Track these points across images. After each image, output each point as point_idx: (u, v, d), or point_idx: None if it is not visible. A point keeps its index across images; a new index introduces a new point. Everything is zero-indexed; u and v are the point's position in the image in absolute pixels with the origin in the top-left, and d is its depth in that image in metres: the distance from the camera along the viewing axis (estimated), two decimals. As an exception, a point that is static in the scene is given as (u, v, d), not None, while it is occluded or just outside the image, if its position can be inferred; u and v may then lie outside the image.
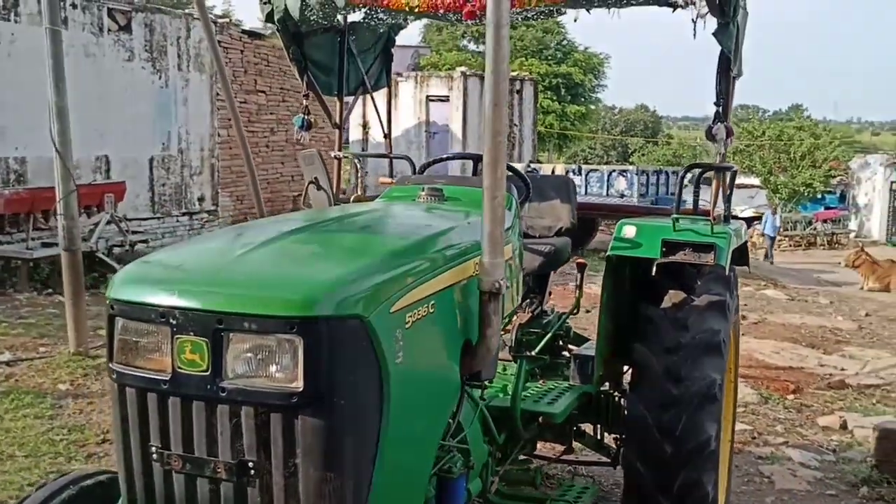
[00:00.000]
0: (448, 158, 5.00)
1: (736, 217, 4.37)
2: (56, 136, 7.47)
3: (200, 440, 2.21)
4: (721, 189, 4.18)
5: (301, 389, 2.10)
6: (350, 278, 2.22)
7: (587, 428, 4.73)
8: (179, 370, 2.18)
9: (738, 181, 4.51)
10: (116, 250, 12.36)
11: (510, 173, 4.15)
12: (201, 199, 16.03)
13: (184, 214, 15.56)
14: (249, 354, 2.14)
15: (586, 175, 17.68)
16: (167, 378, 2.20)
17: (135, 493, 2.34)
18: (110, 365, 2.32)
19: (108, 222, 12.24)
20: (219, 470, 2.19)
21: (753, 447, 6.31)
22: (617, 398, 4.41)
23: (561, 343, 4.60)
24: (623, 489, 3.87)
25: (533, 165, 18.76)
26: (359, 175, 4.48)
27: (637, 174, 17.26)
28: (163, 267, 2.38)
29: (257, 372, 2.14)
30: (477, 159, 4.11)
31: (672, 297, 3.97)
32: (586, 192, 17.60)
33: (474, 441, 3.22)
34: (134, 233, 13.03)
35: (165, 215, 15.10)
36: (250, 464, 2.17)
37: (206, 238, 2.70)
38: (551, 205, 4.61)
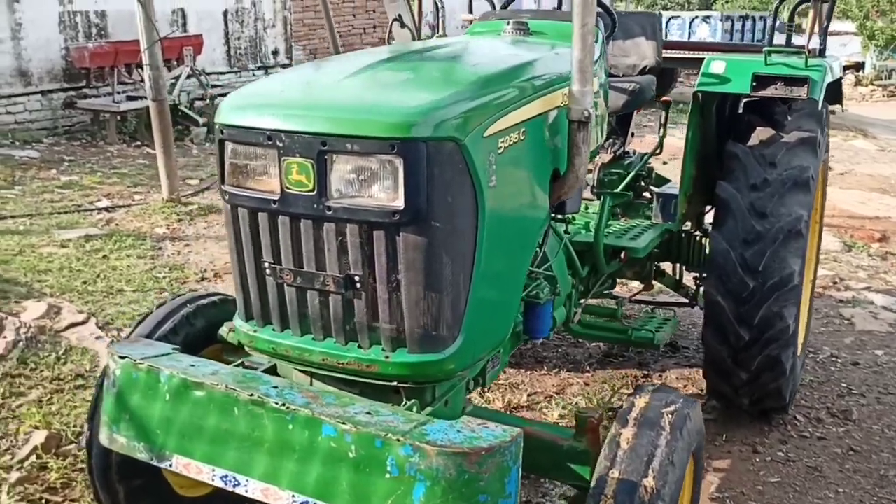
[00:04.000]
0: None
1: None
2: (138, -14, 7.54)
3: (309, 255, 2.36)
4: (817, 21, 4.03)
5: (402, 207, 2.21)
6: (446, 103, 2.27)
7: (667, 267, 4.82)
8: (287, 190, 2.31)
9: (829, 28, 4.30)
10: (197, 104, 12.60)
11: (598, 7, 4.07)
12: (275, 53, 16.03)
13: (259, 68, 15.62)
14: (352, 175, 2.25)
15: (666, 22, 16.92)
16: (276, 198, 2.33)
17: (251, 305, 2.54)
18: (222, 187, 2.46)
19: (189, 76, 12.42)
20: (327, 283, 2.35)
21: (834, 291, 6.33)
22: (699, 237, 4.46)
23: (642, 184, 4.62)
24: (703, 323, 3.99)
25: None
26: (440, 13, 4.44)
27: (721, 20, 16.48)
28: (268, 93, 2.47)
29: (360, 191, 2.25)
30: None
31: (760, 133, 3.93)
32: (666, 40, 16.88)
33: (559, 272, 3.34)
34: (213, 87, 13.21)
35: (241, 69, 15.20)
36: (356, 277, 2.32)
37: (303, 67, 2.76)
38: (636, 42, 4.52)
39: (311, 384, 2.63)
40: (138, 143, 11.47)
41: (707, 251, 4.32)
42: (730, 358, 3.87)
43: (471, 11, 4.02)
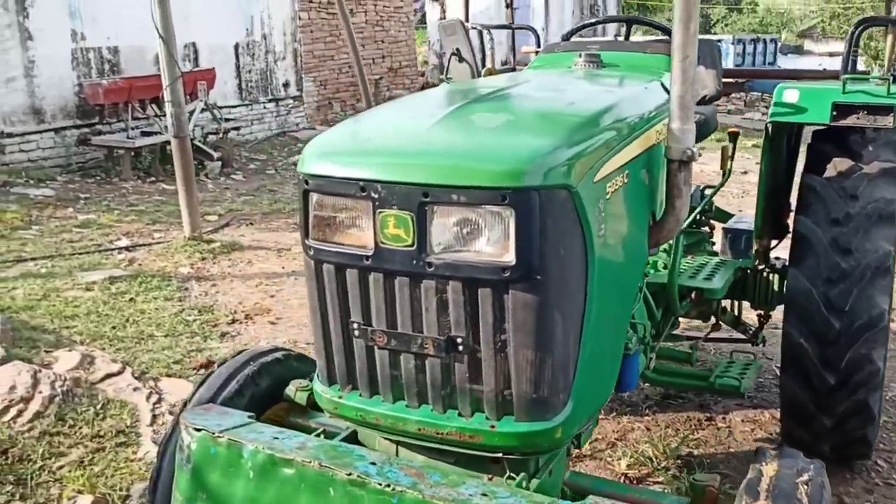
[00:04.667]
0: (597, 23, 4.68)
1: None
2: (159, 23, 7.40)
3: (405, 316, 2.16)
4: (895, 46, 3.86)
5: (513, 263, 2.01)
6: (555, 147, 2.08)
7: (725, 304, 4.61)
8: (383, 245, 2.11)
9: None
10: (211, 138, 12.46)
11: (663, 36, 3.90)
12: (286, 85, 15.93)
13: (270, 101, 15.52)
14: (457, 228, 2.06)
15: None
16: (370, 253, 2.14)
17: (335, 368, 2.33)
18: (306, 241, 2.26)
19: (203, 110, 12.29)
20: (426, 345, 2.15)
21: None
22: (766, 273, 4.26)
23: (702, 217, 4.43)
24: (782, 365, 3.77)
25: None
26: (485, 47, 4.27)
27: (733, 43, 16.39)
28: (357, 139, 2.28)
29: (465, 246, 2.06)
30: (631, 22, 3.86)
31: (837, 164, 3.73)
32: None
33: (640, 317, 3.14)
34: (226, 120, 13.08)
35: (253, 102, 15.09)
36: (458, 339, 2.12)
37: (381, 110, 2.57)
38: (696, 71, 4.34)
39: (398, 453, 2.42)
40: (153, 178, 11.31)
41: (777, 288, 4.11)
42: (812, 403, 3.65)
43: (538, 45, 3.85)
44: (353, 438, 2.52)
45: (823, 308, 3.52)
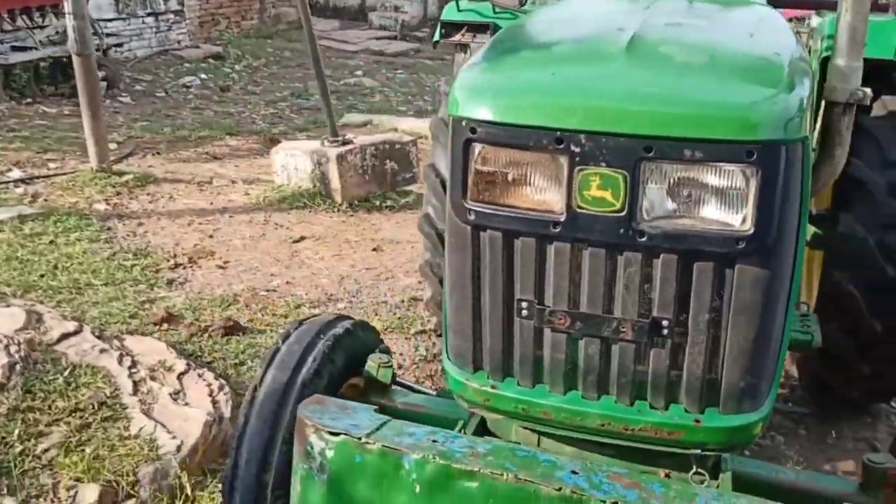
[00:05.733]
0: None
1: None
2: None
3: (596, 294, 1.81)
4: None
5: (751, 232, 1.69)
6: (791, 93, 1.75)
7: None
8: (580, 210, 1.73)
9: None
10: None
11: None
12: (166, -1, 14.63)
13: (149, 15, 14.19)
14: (682, 190, 1.70)
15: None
16: (560, 219, 1.75)
17: (485, 353, 1.97)
18: (462, 202, 1.84)
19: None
20: (623, 329, 1.81)
21: None
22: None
23: None
24: (820, 312, 3.65)
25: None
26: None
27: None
28: (544, 76, 1.83)
29: (689, 212, 1.72)
30: None
31: (888, 103, 3.58)
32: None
33: None
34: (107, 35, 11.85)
35: (130, 16, 13.75)
36: (664, 321, 1.79)
37: (534, 33, 2.15)
38: None
39: (539, 443, 2.10)
40: (30, 100, 10.11)
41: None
42: (854, 350, 3.56)
43: None
44: (483, 431, 2.18)
45: (879, 255, 3.40)
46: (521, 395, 1.95)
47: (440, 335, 4.09)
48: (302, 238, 6.01)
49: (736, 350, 1.79)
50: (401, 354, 4.36)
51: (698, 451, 1.89)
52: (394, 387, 2.50)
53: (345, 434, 1.81)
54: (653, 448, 1.94)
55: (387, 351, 2.57)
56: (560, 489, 1.67)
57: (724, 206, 1.70)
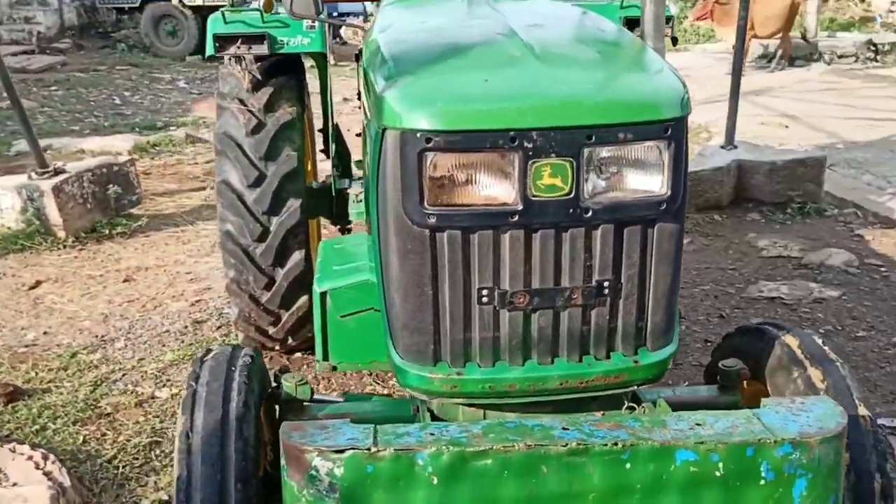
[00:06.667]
0: None
1: None
2: None
3: (546, 271, 2.02)
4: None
5: (668, 195, 2.01)
6: (677, 75, 2.10)
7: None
8: (534, 198, 1.93)
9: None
10: None
11: None
12: None
13: None
14: (616, 168, 1.97)
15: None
16: (517, 209, 1.94)
17: (442, 346, 2.11)
18: (420, 208, 1.94)
19: None
20: (573, 296, 2.04)
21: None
22: None
23: None
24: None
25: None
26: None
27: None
28: (490, 84, 1.96)
29: (621, 185, 1.99)
30: None
31: None
32: (227, -11, 16.42)
33: None
34: None
35: None
36: (605, 283, 2.06)
37: (430, 46, 2.25)
38: None
39: (485, 416, 2.29)
40: None
41: None
42: None
43: None
44: (433, 417, 2.30)
45: None
46: (486, 375, 2.11)
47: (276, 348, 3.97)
48: (38, 283, 5.45)
49: (658, 295, 2.12)
50: (213, 380, 4.20)
51: (635, 386, 2.20)
52: (306, 403, 2.51)
53: (352, 448, 1.85)
54: (583, 396, 2.21)
55: (288, 369, 2.57)
56: (566, 445, 1.87)
57: (647, 176, 2.00)
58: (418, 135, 1.91)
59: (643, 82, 2.05)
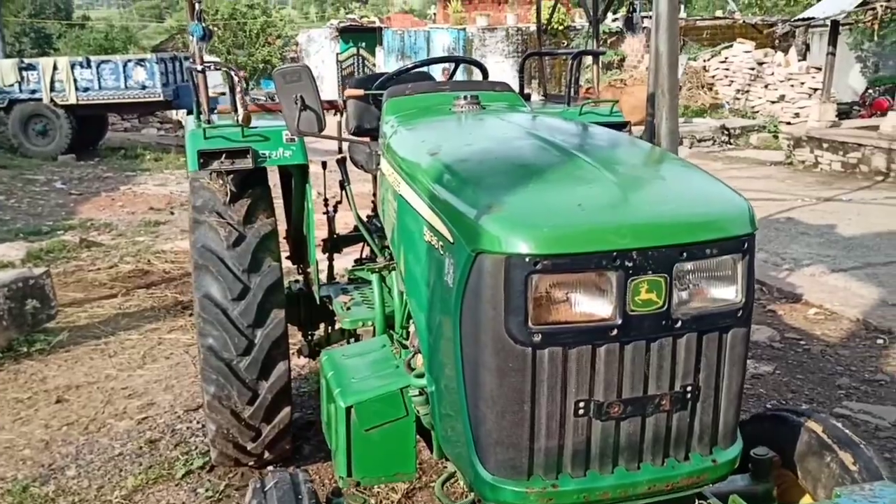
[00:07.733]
0: (432, 62, 4.25)
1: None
2: None
3: (637, 379, 2.12)
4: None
5: (743, 302, 2.17)
6: (736, 191, 2.29)
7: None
8: (632, 313, 2.04)
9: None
10: None
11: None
12: None
13: None
14: (702, 280, 2.12)
15: (97, 67, 15.98)
16: (618, 323, 2.04)
17: (536, 460, 2.15)
18: (526, 327, 2.00)
19: None
20: (662, 403, 2.14)
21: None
22: None
23: None
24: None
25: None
26: (237, 90, 3.86)
27: (157, 63, 16.18)
28: (574, 207, 2.07)
29: (706, 296, 2.14)
30: (459, 62, 3.93)
31: None
32: (101, 88, 16.05)
33: None
34: None
35: None
36: (687, 387, 2.17)
37: (512, 171, 2.32)
38: None
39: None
40: None
41: None
42: None
43: None
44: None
45: None
46: (580, 485, 2.16)
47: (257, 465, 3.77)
48: (-40, 411, 5.04)
49: (731, 395, 2.25)
50: (184, 504, 4.00)
51: (711, 484, 2.30)
52: None
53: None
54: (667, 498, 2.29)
55: (340, 492, 2.53)
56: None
57: (726, 286, 2.16)
58: (526, 259, 1.98)
59: (720, 201, 2.22)
